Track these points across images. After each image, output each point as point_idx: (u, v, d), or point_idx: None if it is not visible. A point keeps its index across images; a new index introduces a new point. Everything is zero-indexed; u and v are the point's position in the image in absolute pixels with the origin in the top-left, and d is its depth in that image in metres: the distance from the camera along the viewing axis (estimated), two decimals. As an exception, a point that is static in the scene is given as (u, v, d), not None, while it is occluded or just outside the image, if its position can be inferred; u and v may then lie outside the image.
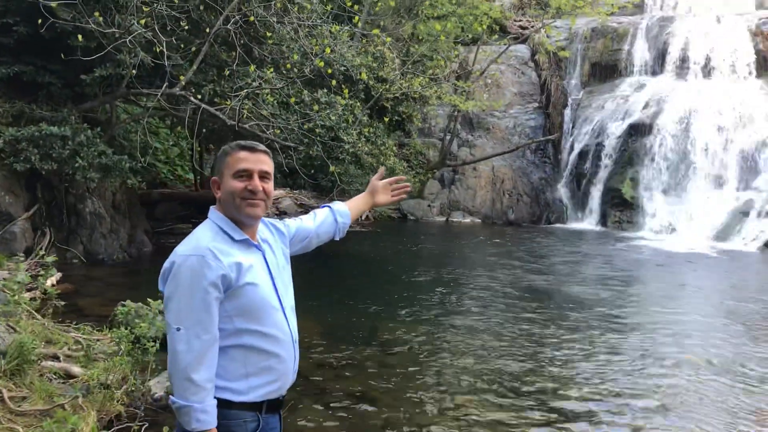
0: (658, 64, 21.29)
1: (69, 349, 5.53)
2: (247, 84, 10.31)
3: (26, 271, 7.13)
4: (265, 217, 2.50)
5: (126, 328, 5.59)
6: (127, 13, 9.07)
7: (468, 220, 19.77)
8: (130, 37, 8.79)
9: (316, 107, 10.90)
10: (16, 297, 6.03)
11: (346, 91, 11.16)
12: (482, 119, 22.27)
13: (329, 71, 10.82)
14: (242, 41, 10.25)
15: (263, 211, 2.37)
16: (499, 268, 11.82)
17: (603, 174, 19.59)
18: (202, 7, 10.08)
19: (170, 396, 2.23)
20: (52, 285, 7.67)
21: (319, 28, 11.34)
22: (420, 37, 19.80)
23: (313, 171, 12.37)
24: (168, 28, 9.48)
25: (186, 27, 9.68)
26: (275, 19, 10.57)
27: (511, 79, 23.26)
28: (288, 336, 2.38)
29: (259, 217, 2.39)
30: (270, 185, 2.39)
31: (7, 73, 9.61)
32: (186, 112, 9.94)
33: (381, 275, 11.39)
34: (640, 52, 21.64)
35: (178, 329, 2.18)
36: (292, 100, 10.87)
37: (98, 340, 5.83)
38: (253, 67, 10.17)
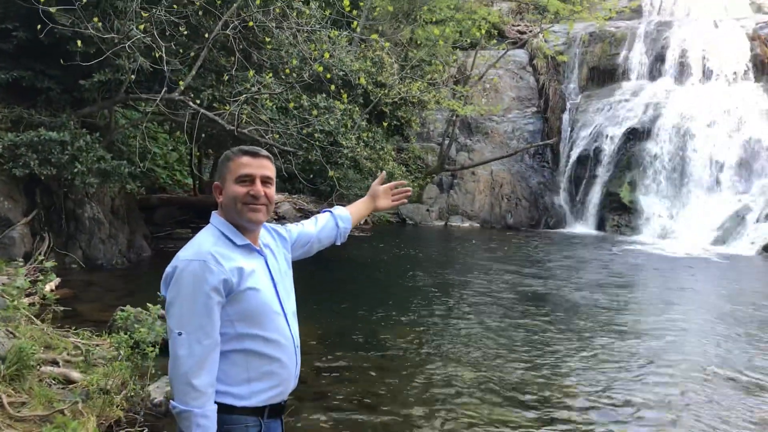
0: (656, 69, 21.34)
1: (68, 354, 5.52)
2: (246, 89, 10.33)
3: (25, 276, 7.10)
4: (266, 222, 2.50)
5: (125, 333, 5.58)
6: (126, 19, 9.08)
7: (467, 224, 19.78)
8: (129, 43, 8.80)
9: (315, 112, 10.91)
10: (15, 302, 6.01)
11: (344, 95, 11.19)
12: (481, 124, 22.30)
13: (328, 76, 10.83)
14: (241, 46, 10.27)
15: (265, 216, 2.37)
16: (497, 272, 11.82)
17: (601, 178, 19.63)
18: (201, 13, 10.09)
19: (171, 401, 2.23)
20: (51, 290, 7.65)
21: (318, 33, 11.36)
22: (418, 42, 19.84)
23: (312, 176, 12.37)
24: (167, 34, 9.49)
25: (185, 32, 9.69)
26: (274, 25, 10.59)
27: (510, 84, 23.31)
28: (290, 341, 2.38)
29: (261, 222, 2.39)
30: (272, 190, 2.39)
31: (6, 79, 9.60)
32: (185, 117, 9.95)
33: (380, 280, 11.39)
34: (638, 57, 21.70)
35: (180, 334, 2.17)
36: (291, 105, 10.89)
37: (97, 345, 5.82)
38: (252, 72, 10.18)
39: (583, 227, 19.50)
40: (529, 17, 26.12)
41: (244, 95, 10.06)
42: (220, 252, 2.24)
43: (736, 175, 18.03)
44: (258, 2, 10.07)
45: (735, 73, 20.21)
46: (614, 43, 22.23)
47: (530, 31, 24.22)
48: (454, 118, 20.25)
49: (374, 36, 12.99)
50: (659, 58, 21.26)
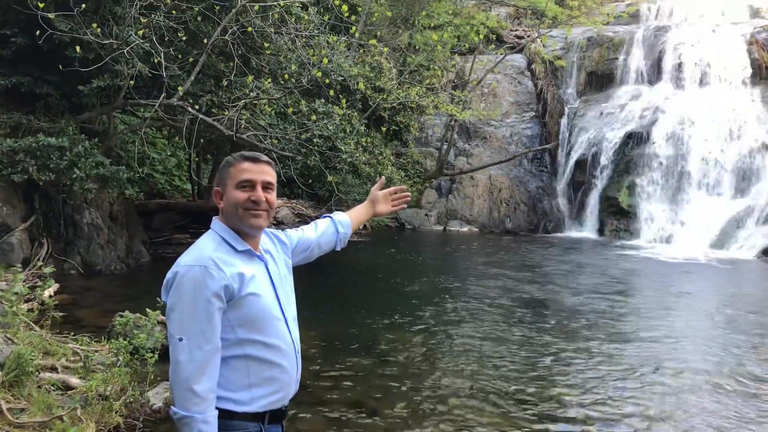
0: (654, 73, 21.40)
1: (67, 360, 5.51)
2: (245, 94, 10.34)
3: (24, 282, 7.09)
4: (266, 228, 2.50)
5: (124, 339, 5.57)
6: (125, 25, 9.09)
7: (465, 228, 19.79)
8: (127, 48, 8.81)
9: (313, 117, 10.92)
10: (14, 308, 6.00)
11: (343, 101, 11.20)
12: (479, 128, 22.34)
13: (327, 81, 10.85)
14: (240, 52, 10.28)
15: (266, 222, 2.37)
16: (496, 277, 11.82)
17: (600, 183, 19.65)
18: (199, 18, 10.11)
19: (171, 407, 2.23)
20: (50, 296, 7.64)
21: (317, 38, 11.38)
22: (417, 47, 19.90)
23: (310, 181, 12.38)
24: (166, 39, 9.50)
25: (184, 38, 9.71)
26: (273, 30, 10.61)
27: (508, 89, 23.35)
28: (290, 346, 2.38)
29: (262, 228, 2.39)
30: (273, 196, 2.39)
31: (5, 84, 9.61)
32: (183, 122, 9.95)
33: (379, 285, 11.38)
34: (636, 61, 21.75)
35: (181, 339, 2.17)
36: (290, 110, 10.90)
37: (96, 351, 5.81)
38: (250, 78, 10.20)
39: (582, 232, 19.51)
40: (527, 22, 26.22)
41: (243, 100, 10.07)
42: (220, 257, 2.24)
43: (734, 179, 18.06)
44: (256, 8, 10.09)
45: (733, 77, 20.26)
46: (612, 48, 22.30)
47: (528, 36, 24.27)
48: (453, 122, 20.28)
49: (373, 41, 13.00)
50: (657, 63, 21.32)
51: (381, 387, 5.98)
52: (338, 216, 2.95)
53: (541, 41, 23.28)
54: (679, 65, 20.91)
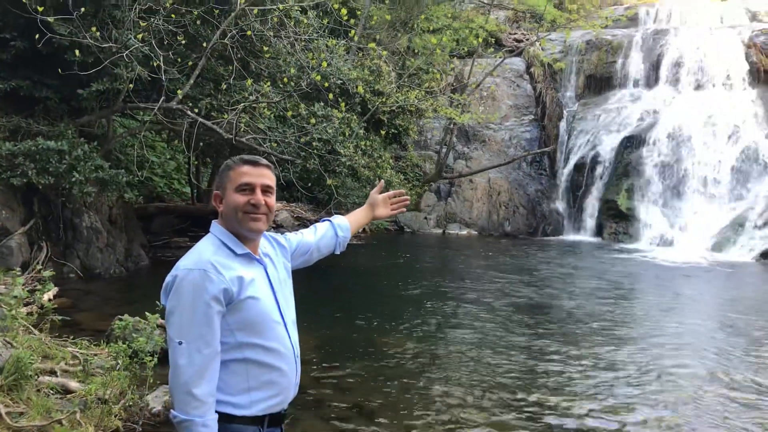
0: (652, 77, 21.42)
1: (66, 364, 5.51)
2: (244, 98, 10.35)
3: (23, 285, 7.09)
4: (265, 231, 2.50)
5: (124, 343, 5.57)
6: (125, 28, 9.11)
7: (464, 232, 19.79)
8: (127, 52, 8.82)
9: (312, 120, 10.93)
10: (13, 312, 6.00)
11: (342, 104, 11.21)
12: (478, 132, 22.35)
13: (326, 85, 10.86)
14: (239, 55, 10.30)
15: (265, 225, 2.37)
16: (495, 281, 11.82)
17: (599, 186, 19.66)
18: (199, 22, 10.12)
19: (171, 410, 2.23)
20: (49, 300, 7.63)
21: (316, 42, 11.40)
22: (416, 51, 19.93)
23: (309, 184, 12.38)
24: (165, 43, 9.51)
25: (183, 41, 9.72)
26: (272, 34, 10.63)
27: (507, 92, 23.37)
28: (290, 350, 2.38)
29: (262, 231, 2.40)
30: (272, 199, 2.40)
31: (4, 88, 9.61)
32: (183, 126, 9.96)
33: (377, 288, 11.38)
34: (635, 65, 21.79)
35: (180, 343, 2.17)
36: (289, 113, 10.91)
37: (96, 354, 5.80)
38: (249, 81, 10.21)
39: (581, 235, 19.52)
40: (526, 25, 26.26)
41: (242, 104, 10.08)
42: (220, 261, 2.24)
43: (733, 183, 18.07)
44: (256, 12, 10.11)
45: (731, 80, 20.29)
46: (611, 51, 22.33)
47: (527, 40, 24.32)
48: (452, 126, 20.29)
49: (372, 45, 13.02)
50: (656, 66, 21.35)
51: (380, 390, 5.98)
52: (337, 220, 2.95)
53: (539, 44, 23.31)
54: (678, 68, 20.94)
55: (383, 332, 8.03)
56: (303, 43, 11.12)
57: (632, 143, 19.45)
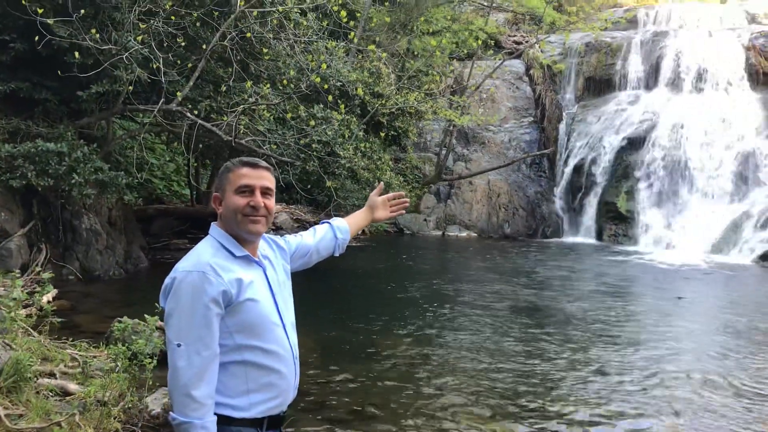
0: (651, 79, 21.44)
1: (65, 366, 5.50)
2: (244, 100, 10.35)
3: (22, 287, 7.08)
4: (265, 234, 2.50)
5: (123, 345, 5.56)
6: (124, 30, 9.11)
7: (464, 234, 19.78)
8: (126, 54, 8.83)
9: (312, 123, 10.93)
10: (12, 314, 5.99)
11: (342, 106, 11.21)
12: (478, 134, 22.36)
13: (325, 87, 10.86)
14: (239, 57, 10.30)
15: (264, 228, 2.37)
16: (494, 283, 11.82)
17: (598, 188, 19.66)
18: (198, 24, 10.12)
19: (170, 412, 2.23)
20: (48, 302, 7.62)
21: (315, 44, 11.41)
22: (415, 53, 19.93)
23: (309, 186, 12.38)
24: (165, 45, 9.52)
25: (182, 43, 9.72)
26: (271, 36, 10.63)
27: (506, 94, 23.38)
28: (289, 352, 2.38)
29: (261, 234, 2.40)
30: (271, 201, 2.40)
31: (3, 90, 9.61)
32: (182, 127, 9.96)
33: (377, 290, 11.38)
34: (634, 67, 21.80)
35: (179, 345, 2.17)
36: (289, 115, 10.91)
37: (95, 356, 5.80)
38: (249, 83, 10.21)
39: (581, 237, 19.51)
40: (526, 27, 26.28)
41: (242, 106, 10.07)
42: (219, 263, 2.24)
43: (732, 185, 18.08)
44: (255, 14, 10.12)
45: (730, 83, 20.31)
46: (610, 53, 22.34)
47: (526, 42, 24.33)
48: (451, 128, 20.30)
49: (371, 47, 13.03)
50: (655, 69, 21.36)
51: (379, 393, 5.97)
52: (337, 222, 2.95)
53: (539, 47, 23.33)
54: (677, 71, 20.95)
55: (383, 335, 8.02)
56: (302, 45, 11.12)
57: (632, 145, 19.46)
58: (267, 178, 2.40)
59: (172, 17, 9.50)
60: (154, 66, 9.08)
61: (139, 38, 8.97)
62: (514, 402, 5.80)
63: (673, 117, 19.47)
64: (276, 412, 2.37)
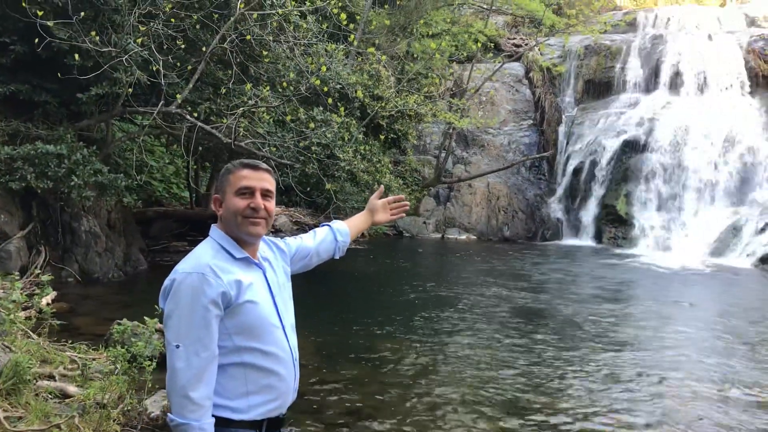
0: (651, 81, 21.46)
1: (65, 368, 5.50)
2: (243, 102, 10.35)
3: (21, 290, 7.08)
4: (265, 236, 2.50)
5: (122, 347, 5.56)
6: (124, 33, 9.11)
7: (463, 236, 19.78)
8: (126, 56, 8.82)
9: (311, 125, 10.93)
10: (11, 316, 5.99)
11: (341, 108, 11.21)
12: (477, 136, 22.37)
13: (325, 89, 10.86)
14: (238, 60, 10.30)
15: (264, 230, 2.38)
16: (493, 285, 11.81)
17: (598, 190, 19.67)
18: (198, 26, 10.13)
19: (168, 414, 2.23)
20: (48, 304, 7.61)
21: (315, 46, 11.41)
22: (415, 55, 19.95)
23: (308, 188, 12.38)
24: (164, 47, 9.52)
25: (182, 46, 9.73)
26: (271, 38, 10.63)
27: (506, 97, 23.40)
28: (288, 354, 2.37)
29: (261, 236, 2.40)
30: (272, 204, 2.40)
31: (3, 92, 9.61)
32: (182, 130, 9.96)
33: (376, 293, 11.38)
34: (634, 70, 21.82)
35: (178, 346, 2.17)
36: (288, 118, 10.91)
37: (94, 359, 5.79)
38: (249, 86, 10.21)
39: (580, 240, 19.51)
40: (525, 30, 26.30)
41: (241, 108, 10.07)
42: (218, 265, 2.24)
43: (731, 188, 18.09)
44: (255, 16, 10.12)
45: (730, 86, 20.33)
46: (609, 56, 22.36)
47: (526, 45, 24.35)
48: (451, 130, 20.32)
49: (371, 49, 13.04)
50: (654, 71, 21.39)
51: (378, 395, 5.97)
52: (337, 224, 2.95)
53: (538, 49, 23.36)
54: (676, 73, 20.98)
55: (382, 337, 8.02)
56: (302, 48, 11.13)
57: (631, 148, 19.47)
58: (267, 180, 2.40)
59: (172, 20, 9.51)
60: (154, 68, 9.08)
61: (139, 40, 8.97)
62: (513, 405, 5.80)
63: (672, 120, 19.49)
64: (275, 415, 2.36)
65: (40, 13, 8.42)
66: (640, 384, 6.47)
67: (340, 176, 11.47)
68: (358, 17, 16.75)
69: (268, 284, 2.40)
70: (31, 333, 6.12)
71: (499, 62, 21.19)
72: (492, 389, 6.18)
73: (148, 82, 9.40)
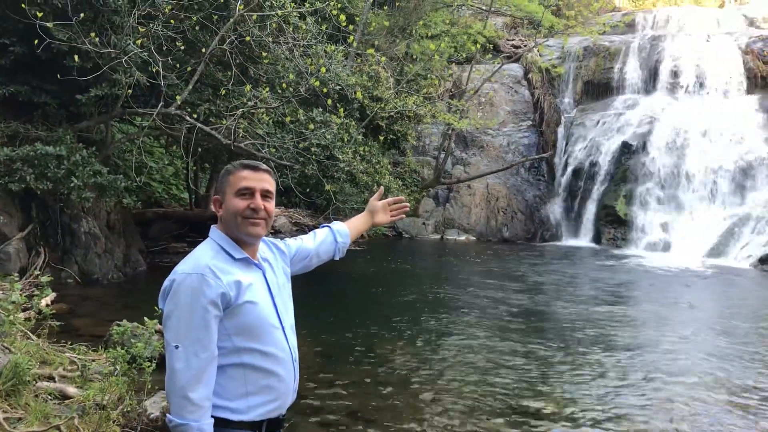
0: (650, 82, 21.48)
1: (64, 369, 5.49)
2: (243, 103, 10.35)
3: (21, 291, 7.09)
4: (265, 237, 2.51)
5: (122, 348, 5.56)
6: (123, 34, 9.11)
7: (463, 237, 19.79)
8: (126, 57, 8.82)
9: (311, 126, 10.93)
10: (11, 317, 5.99)
11: (341, 110, 11.21)
12: (476, 137, 22.39)
13: (324, 90, 10.87)
14: (238, 61, 10.30)
15: (264, 230, 2.38)
16: (492, 287, 11.82)
17: (597, 191, 19.68)
18: (197, 28, 10.13)
19: (167, 414, 2.23)
20: (47, 305, 7.61)
21: (314, 47, 11.41)
22: (414, 57, 19.94)
23: (308, 189, 12.38)
24: (164, 48, 9.52)
25: (182, 47, 9.73)
26: (270, 39, 10.64)
27: (505, 98, 23.42)
28: (288, 355, 2.38)
29: (260, 236, 2.40)
30: (271, 204, 2.40)
31: (2, 94, 9.61)
32: (181, 131, 9.96)
33: (376, 294, 11.38)
34: (632, 71, 21.85)
35: (177, 347, 2.17)
36: (288, 119, 10.91)
37: (94, 360, 5.79)
38: (248, 87, 10.22)
39: (579, 240, 19.53)
40: (524, 32, 26.31)
41: (241, 109, 10.08)
42: (218, 266, 2.25)
43: (730, 188, 18.11)
44: (255, 17, 10.12)
45: (728, 86, 20.35)
46: (608, 57, 22.39)
47: (525, 46, 24.37)
48: (450, 131, 20.32)
49: (370, 51, 13.03)
50: (653, 72, 21.42)
51: (377, 396, 5.97)
52: (337, 226, 2.96)
53: (537, 51, 23.37)
54: (675, 74, 21.01)
55: (381, 338, 8.02)
56: (302, 49, 11.13)
57: (630, 149, 19.49)
58: (267, 181, 2.40)
59: (172, 21, 9.51)
60: (153, 69, 9.08)
61: (139, 42, 8.97)
62: (512, 406, 5.80)
63: (671, 121, 19.51)
64: (275, 415, 2.37)
65: (39, 15, 8.43)
66: (639, 384, 6.47)
67: (339, 177, 11.47)
68: (357, 18, 16.76)
69: (268, 285, 2.40)
70: (30, 334, 6.12)
71: (498, 63, 21.21)
72: (492, 390, 6.19)
73: (148, 84, 9.40)
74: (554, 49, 23.37)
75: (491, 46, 23.11)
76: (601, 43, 22.54)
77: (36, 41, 8.54)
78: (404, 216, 3.17)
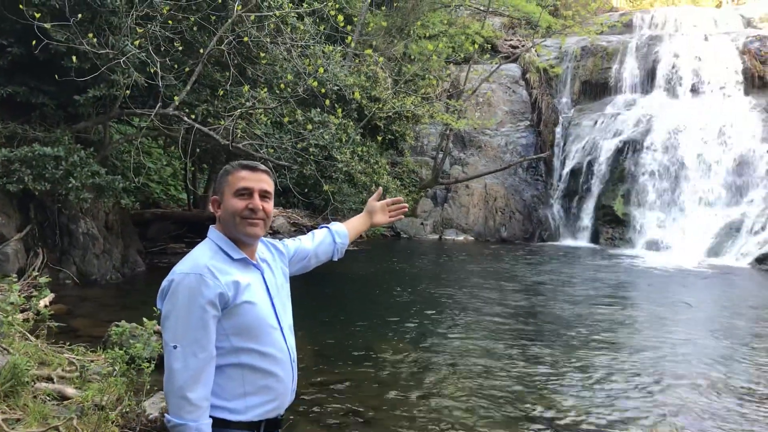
0: (647, 82, 21.49)
1: (63, 370, 5.50)
2: (241, 104, 10.36)
3: (19, 292, 7.09)
4: (263, 237, 2.51)
5: (120, 349, 5.56)
6: (121, 35, 9.12)
7: (461, 237, 19.79)
8: (123, 58, 8.83)
9: (309, 126, 10.94)
10: (9, 318, 5.99)
11: (339, 110, 11.23)
12: (474, 137, 22.39)
13: (322, 91, 10.88)
14: (236, 61, 10.31)
15: (263, 231, 2.38)
16: (490, 287, 11.83)
17: (595, 191, 19.69)
18: (195, 28, 10.13)
19: (165, 415, 2.23)
20: (45, 306, 7.61)
21: (312, 48, 11.42)
22: (412, 57, 19.97)
23: (306, 190, 12.40)
24: (162, 49, 9.52)
25: (180, 48, 9.73)
26: (268, 40, 10.65)
27: (503, 98, 23.42)
28: (286, 355, 2.38)
29: (259, 237, 2.40)
30: (270, 205, 2.41)
31: (0, 94, 9.61)
32: (179, 132, 9.97)
33: (374, 294, 11.38)
34: (630, 71, 21.85)
35: (175, 347, 2.18)
36: (286, 119, 10.92)
37: (92, 361, 5.80)
38: (246, 87, 10.23)
39: (577, 240, 19.53)
40: (522, 32, 26.33)
41: (239, 110, 10.09)
42: (216, 266, 2.25)
43: (728, 188, 18.13)
44: (253, 18, 10.13)
45: (726, 86, 20.37)
46: (606, 57, 22.40)
47: (523, 46, 24.37)
48: (448, 132, 20.32)
49: (368, 51, 13.04)
50: (651, 72, 21.42)
51: (376, 396, 5.98)
52: (335, 226, 2.96)
53: (535, 51, 23.38)
54: (673, 74, 21.02)
55: (380, 338, 8.03)
56: (299, 50, 11.14)
57: (628, 149, 19.50)
58: (266, 182, 2.41)
59: (170, 21, 9.51)
60: (151, 70, 9.08)
61: (137, 42, 8.98)
62: (512, 407, 5.81)
63: (668, 121, 19.52)
64: (273, 416, 2.37)
65: (37, 15, 8.42)
66: (638, 384, 6.48)
67: (337, 177, 11.49)
68: (355, 19, 16.78)
69: (266, 285, 2.40)
70: (29, 335, 6.13)
71: (495, 63, 21.22)
72: (490, 390, 6.19)
73: (146, 84, 9.41)
74: (552, 49, 23.38)
75: (489, 46, 23.12)
76: (599, 43, 22.55)
77: (34, 42, 8.54)
78: (403, 216, 3.18)
